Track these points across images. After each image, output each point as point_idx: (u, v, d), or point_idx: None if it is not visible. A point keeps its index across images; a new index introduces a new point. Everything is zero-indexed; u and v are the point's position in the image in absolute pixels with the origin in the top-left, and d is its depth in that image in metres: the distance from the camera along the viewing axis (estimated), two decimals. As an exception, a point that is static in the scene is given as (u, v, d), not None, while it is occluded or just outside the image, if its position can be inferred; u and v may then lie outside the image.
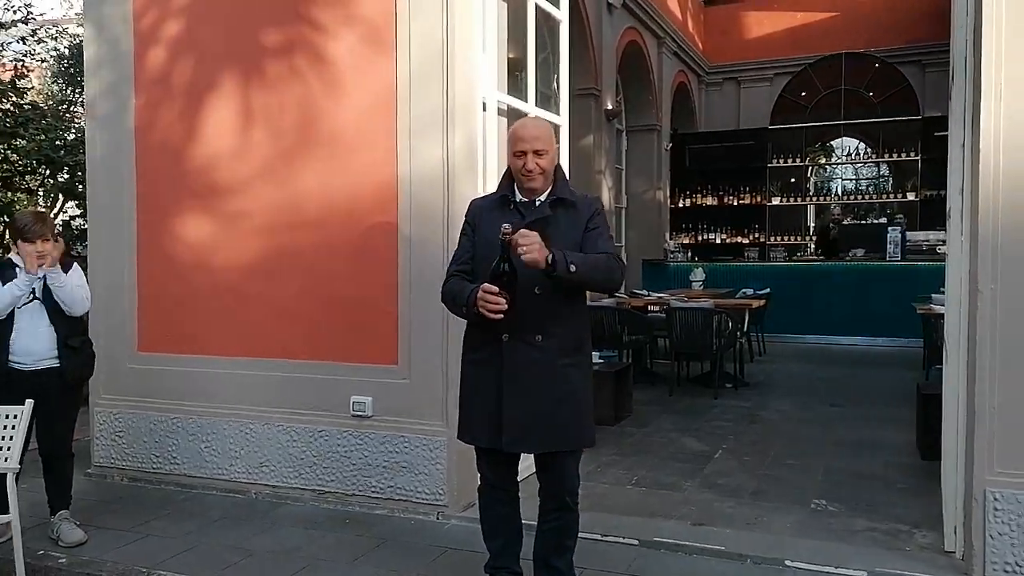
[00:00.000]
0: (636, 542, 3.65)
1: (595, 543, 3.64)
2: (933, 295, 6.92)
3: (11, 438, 3.28)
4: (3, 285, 3.65)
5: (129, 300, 4.82)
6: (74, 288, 3.75)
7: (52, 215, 9.76)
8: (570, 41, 5.20)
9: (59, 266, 3.70)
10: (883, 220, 12.61)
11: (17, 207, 9.25)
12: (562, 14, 4.94)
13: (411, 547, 3.68)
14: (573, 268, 2.60)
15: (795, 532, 3.77)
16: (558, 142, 5.16)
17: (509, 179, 2.91)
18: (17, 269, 3.69)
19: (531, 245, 2.55)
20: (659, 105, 12.79)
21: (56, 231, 3.84)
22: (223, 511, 4.23)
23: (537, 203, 2.83)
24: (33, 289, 3.70)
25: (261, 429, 4.47)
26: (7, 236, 3.79)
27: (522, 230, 2.60)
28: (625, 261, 12.24)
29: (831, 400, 6.94)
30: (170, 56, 4.72)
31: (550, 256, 2.57)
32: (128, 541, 3.82)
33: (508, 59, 4.77)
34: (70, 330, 3.78)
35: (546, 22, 5.01)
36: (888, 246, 10.69)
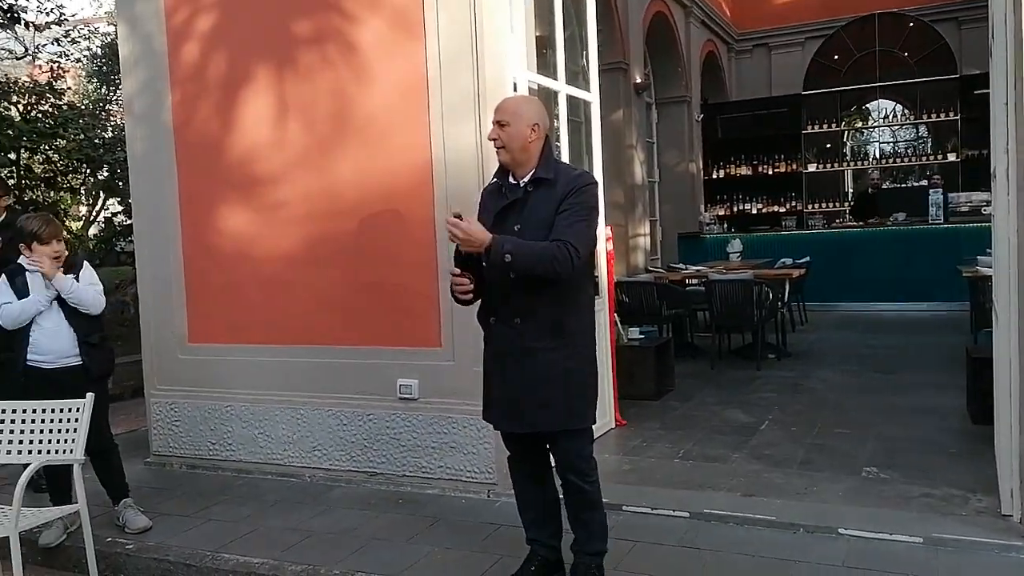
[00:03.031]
0: (687, 514, 3.66)
1: (646, 516, 3.67)
2: (979, 257, 6.77)
3: (75, 430, 3.38)
4: (12, 290, 3.78)
5: (177, 293, 4.94)
6: (86, 290, 3.86)
7: (95, 212, 10.00)
8: (596, 15, 5.16)
9: (61, 273, 3.78)
10: (923, 183, 12.35)
11: (61, 206, 9.48)
12: (589, -12, 4.90)
13: (463, 525, 3.75)
14: (508, 258, 2.64)
15: (847, 500, 3.75)
16: (586, 120, 5.18)
17: None
18: (27, 274, 3.81)
19: (461, 237, 2.62)
20: (688, 76, 12.62)
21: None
22: (279, 495, 4.34)
23: (521, 184, 2.87)
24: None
25: (312, 414, 4.56)
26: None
27: (450, 220, 2.64)
28: (659, 235, 12.31)
29: (876, 367, 6.86)
30: (203, 51, 4.79)
31: (490, 242, 2.62)
32: (191, 526, 3.94)
33: (536, 37, 4.75)
34: (89, 329, 3.90)
35: (572, -2, 4.97)
36: (930, 209, 10.47)
